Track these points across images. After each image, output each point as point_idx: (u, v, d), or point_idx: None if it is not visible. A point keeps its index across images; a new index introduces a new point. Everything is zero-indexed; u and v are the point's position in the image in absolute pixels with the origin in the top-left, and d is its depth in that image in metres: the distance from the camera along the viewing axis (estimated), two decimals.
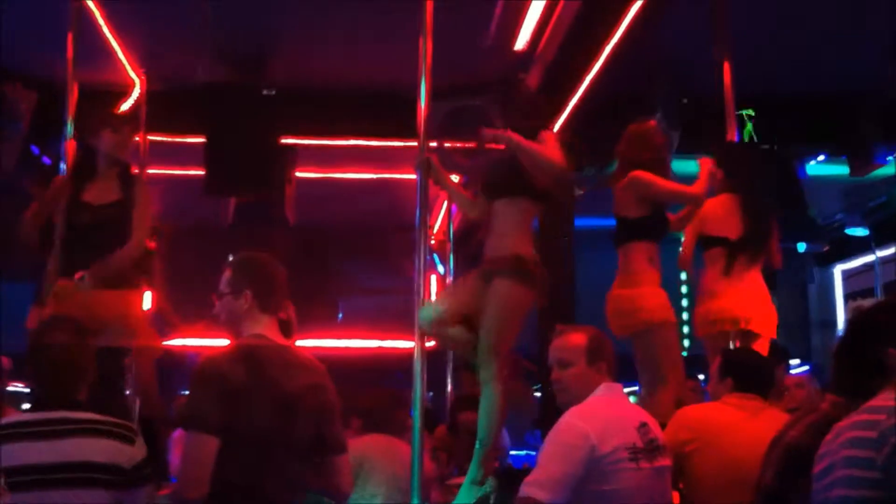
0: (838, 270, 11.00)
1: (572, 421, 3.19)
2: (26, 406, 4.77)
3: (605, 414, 3.24)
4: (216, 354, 3.01)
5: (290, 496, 3.00)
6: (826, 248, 9.27)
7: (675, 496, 3.82)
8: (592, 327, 3.48)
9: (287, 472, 2.96)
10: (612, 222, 4.89)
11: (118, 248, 4.34)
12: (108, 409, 3.25)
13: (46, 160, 7.20)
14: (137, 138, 4.64)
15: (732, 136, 5.63)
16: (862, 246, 9.89)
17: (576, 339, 3.38)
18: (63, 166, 5.07)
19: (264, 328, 3.08)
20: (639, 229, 4.72)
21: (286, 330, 5.33)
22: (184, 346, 8.35)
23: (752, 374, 3.76)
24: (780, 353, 5.04)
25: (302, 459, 3.02)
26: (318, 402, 3.05)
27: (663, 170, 4.78)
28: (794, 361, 5.05)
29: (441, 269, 9.50)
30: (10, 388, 5.52)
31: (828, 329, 10.43)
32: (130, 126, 4.63)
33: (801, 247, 7.82)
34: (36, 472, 2.81)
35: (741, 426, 3.55)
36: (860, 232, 9.74)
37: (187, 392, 2.95)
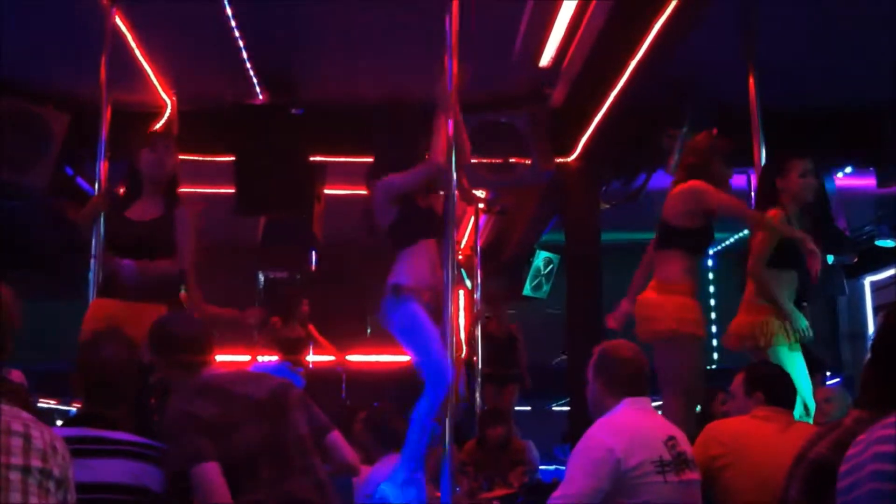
0: (868, 282, 10.93)
1: (597, 435, 3.21)
2: (59, 423, 4.82)
3: (631, 427, 3.25)
4: (177, 399, 3.08)
5: (324, 491, 3.03)
6: (855, 260, 9.20)
7: None
8: (616, 341, 3.51)
9: (306, 471, 3.01)
10: (637, 236, 4.88)
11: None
12: (142, 427, 3.30)
13: (80, 181, 7.30)
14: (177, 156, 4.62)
15: (759, 148, 5.63)
16: (892, 257, 9.83)
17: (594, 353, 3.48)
18: (97, 187, 5.16)
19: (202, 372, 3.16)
20: (683, 239, 4.68)
21: (291, 346, 5.36)
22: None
23: (781, 388, 3.75)
24: (815, 365, 4.99)
25: (312, 453, 3.08)
26: (292, 394, 3.15)
27: (710, 176, 4.74)
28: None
29: (468, 283, 9.53)
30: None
31: (857, 341, 10.36)
32: (165, 143, 4.59)
33: (830, 259, 7.77)
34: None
35: (773, 440, 3.52)
36: (890, 243, 9.67)
37: (168, 442, 3.00)
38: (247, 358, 7.80)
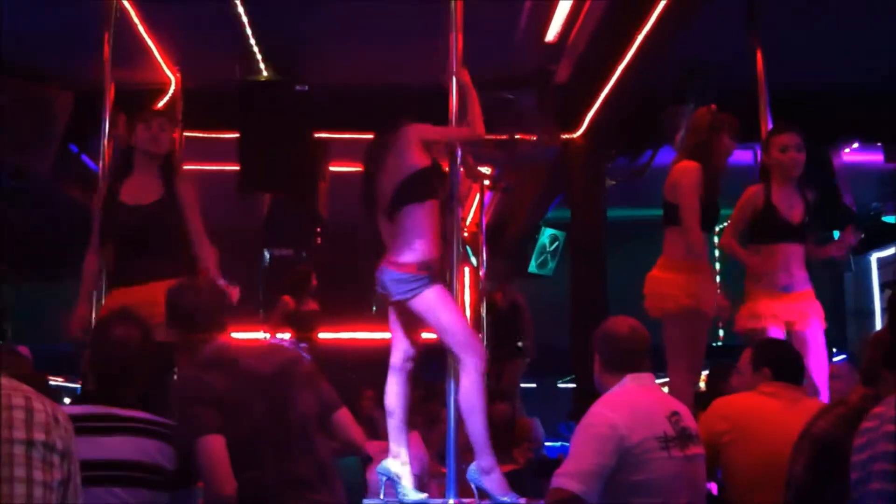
0: (874, 258, 10.90)
1: (600, 412, 3.21)
2: (67, 400, 4.82)
3: (633, 403, 3.24)
4: (186, 371, 3.09)
5: (319, 474, 3.03)
6: (862, 236, 9.17)
7: (713, 487, 3.82)
8: (616, 318, 3.50)
9: (309, 450, 3.02)
10: (643, 213, 4.87)
11: (164, 246, 4.30)
12: (155, 406, 3.29)
13: (86, 159, 7.29)
14: (175, 134, 4.57)
15: (766, 125, 5.59)
16: None
17: None
18: (101, 165, 5.15)
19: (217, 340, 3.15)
20: (679, 214, 4.64)
21: (306, 322, 5.33)
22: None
23: (789, 364, 3.74)
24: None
25: (318, 432, 3.08)
26: (300, 371, 3.13)
27: (712, 153, 4.72)
28: (826, 351, 5.01)
29: (474, 261, 9.51)
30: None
31: (864, 317, 10.35)
32: (162, 119, 4.52)
33: (836, 235, 7.75)
34: (83, 469, 2.83)
35: (778, 416, 3.51)
36: None
37: (176, 412, 3.00)
38: (263, 335, 7.79)
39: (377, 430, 4.66)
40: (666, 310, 4.56)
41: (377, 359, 4.29)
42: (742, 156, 5.17)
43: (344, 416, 3.22)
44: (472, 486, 3.97)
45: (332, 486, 3.07)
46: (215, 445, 2.87)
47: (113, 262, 4.45)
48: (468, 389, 3.90)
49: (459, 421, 4.02)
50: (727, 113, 4.87)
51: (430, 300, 3.98)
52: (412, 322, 4.11)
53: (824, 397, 4.47)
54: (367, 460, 3.42)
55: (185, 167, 6.80)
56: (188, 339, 3.17)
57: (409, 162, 4.07)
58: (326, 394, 3.19)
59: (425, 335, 4.17)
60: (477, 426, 3.91)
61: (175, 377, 3.08)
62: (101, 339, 3.14)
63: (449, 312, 3.99)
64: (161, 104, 6.74)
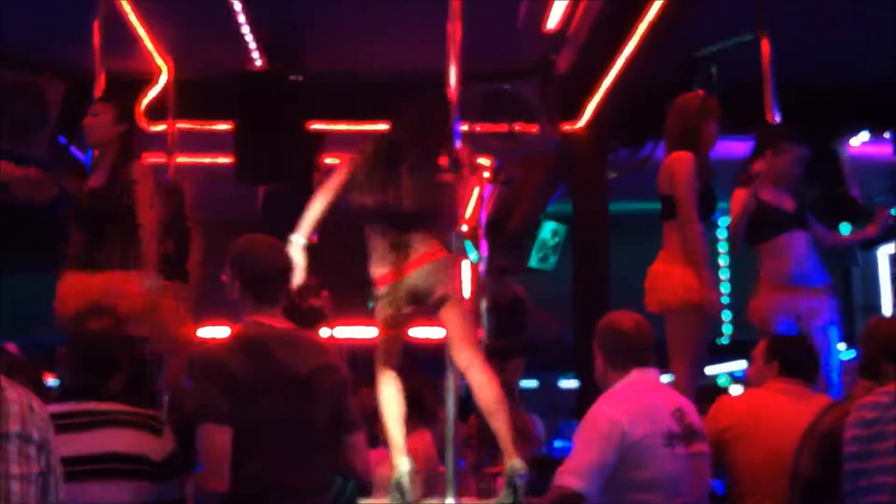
0: (883, 253, 10.82)
1: (602, 408, 3.20)
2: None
3: (637, 399, 3.21)
4: (214, 346, 2.96)
5: (319, 483, 2.95)
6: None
7: (718, 484, 3.79)
8: (618, 313, 3.46)
9: (313, 459, 2.91)
10: (645, 205, 4.81)
11: (111, 235, 4.20)
12: (139, 400, 3.23)
13: (74, 150, 7.22)
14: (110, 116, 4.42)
15: (772, 116, 5.51)
16: None
17: None
18: (90, 155, 5.06)
19: (262, 316, 2.99)
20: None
21: (313, 317, 5.28)
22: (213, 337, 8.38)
23: (799, 359, 3.70)
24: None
25: (326, 444, 2.97)
26: (331, 381, 2.99)
27: (701, 141, 4.64)
28: (839, 347, 4.97)
29: (473, 256, 9.43)
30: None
31: (872, 313, 10.26)
32: (94, 109, 4.40)
33: (845, 228, 7.68)
34: (70, 464, 2.70)
35: (784, 412, 3.49)
36: None
37: (191, 386, 2.92)
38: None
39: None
40: (666, 303, 4.48)
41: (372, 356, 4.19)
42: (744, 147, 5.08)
43: (358, 440, 3.10)
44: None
45: (326, 497, 3.01)
46: (220, 437, 2.76)
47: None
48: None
49: (456, 418, 3.99)
50: (712, 97, 4.83)
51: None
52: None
53: (838, 396, 4.41)
54: (367, 488, 3.32)
55: (178, 159, 6.74)
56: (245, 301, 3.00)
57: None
58: (349, 412, 3.06)
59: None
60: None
61: (202, 350, 2.97)
62: (76, 333, 3.09)
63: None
64: (153, 95, 6.64)
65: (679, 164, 4.55)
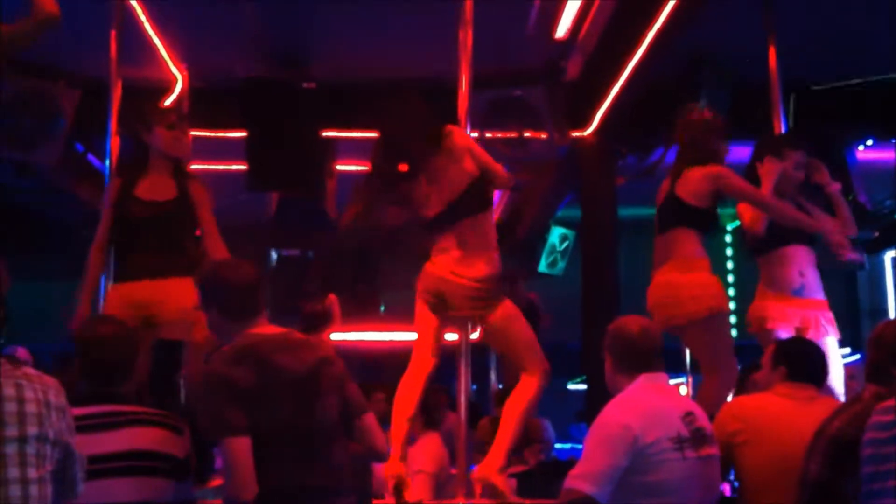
0: (888, 258, 10.80)
1: (613, 413, 3.21)
2: None
3: (647, 404, 3.23)
4: (214, 361, 2.99)
5: (341, 481, 2.99)
6: (876, 235, 9.08)
7: (727, 488, 3.79)
8: (626, 318, 3.48)
9: (331, 457, 2.97)
10: (654, 211, 4.78)
11: (175, 244, 4.26)
12: (161, 403, 3.26)
13: (91, 158, 7.26)
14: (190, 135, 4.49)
15: (779, 121, 5.53)
16: None
17: None
18: (109, 163, 5.12)
19: (250, 328, 3.04)
20: (697, 217, 4.56)
21: (318, 321, 5.36)
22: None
23: (806, 363, 3.69)
24: None
25: (340, 438, 3.03)
26: (331, 373, 3.05)
27: (719, 159, 4.66)
28: (845, 351, 4.96)
29: None
30: None
31: (879, 317, 10.24)
32: (185, 123, 4.48)
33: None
34: (95, 462, 2.75)
35: (792, 416, 3.49)
36: None
37: (199, 406, 2.93)
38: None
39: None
40: (695, 314, 4.39)
41: (386, 360, 4.23)
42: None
43: (369, 421, 3.15)
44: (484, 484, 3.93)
45: (349, 494, 3.03)
46: (241, 447, 2.79)
47: (118, 257, 4.39)
48: (533, 399, 4.07)
49: (467, 423, 4.02)
50: (714, 113, 4.86)
51: (510, 312, 4.10)
52: (445, 328, 4.13)
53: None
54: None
55: (192, 166, 6.78)
56: (225, 325, 3.04)
57: (468, 169, 4.02)
58: (353, 398, 3.12)
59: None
60: (518, 430, 4.09)
61: (204, 369, 3.00)
62: (89, 340, 3.14)
63: (524, 324, 4.14)
64: (168, 102, 6.69)
65: (725, 175, 4.52)
